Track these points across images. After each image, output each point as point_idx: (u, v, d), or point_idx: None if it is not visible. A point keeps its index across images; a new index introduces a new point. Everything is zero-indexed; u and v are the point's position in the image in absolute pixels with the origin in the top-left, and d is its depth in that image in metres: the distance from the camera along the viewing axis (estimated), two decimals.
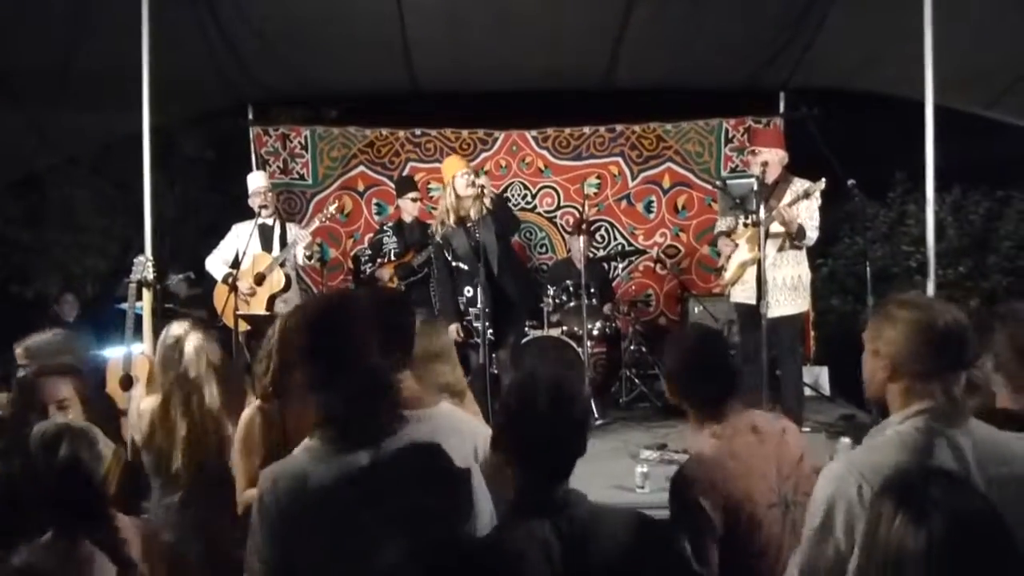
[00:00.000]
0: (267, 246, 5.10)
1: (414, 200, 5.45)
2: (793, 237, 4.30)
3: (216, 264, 5.13)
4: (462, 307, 4.54)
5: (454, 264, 4.58)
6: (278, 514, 1.52)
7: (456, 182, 4.52)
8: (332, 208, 5.27)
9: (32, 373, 2.21)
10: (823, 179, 4.16)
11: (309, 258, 5.15)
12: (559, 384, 1.59)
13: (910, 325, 1.61)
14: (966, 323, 1.60)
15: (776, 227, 4.24)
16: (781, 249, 4.33)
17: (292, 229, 5.25)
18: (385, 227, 5.53)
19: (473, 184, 4.45)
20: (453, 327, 4.29)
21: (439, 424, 1.83)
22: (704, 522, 1.82)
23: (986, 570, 1.15)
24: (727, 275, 4.60)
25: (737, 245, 4.49)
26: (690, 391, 2.03)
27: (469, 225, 4.50)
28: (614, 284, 6.26)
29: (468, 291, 4.52)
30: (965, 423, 1.58)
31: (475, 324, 4.38)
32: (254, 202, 5.17)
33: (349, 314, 1.71)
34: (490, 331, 4.35)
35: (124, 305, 3.96)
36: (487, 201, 4.44)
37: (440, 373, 2.41)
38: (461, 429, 1.87)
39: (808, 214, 4.29)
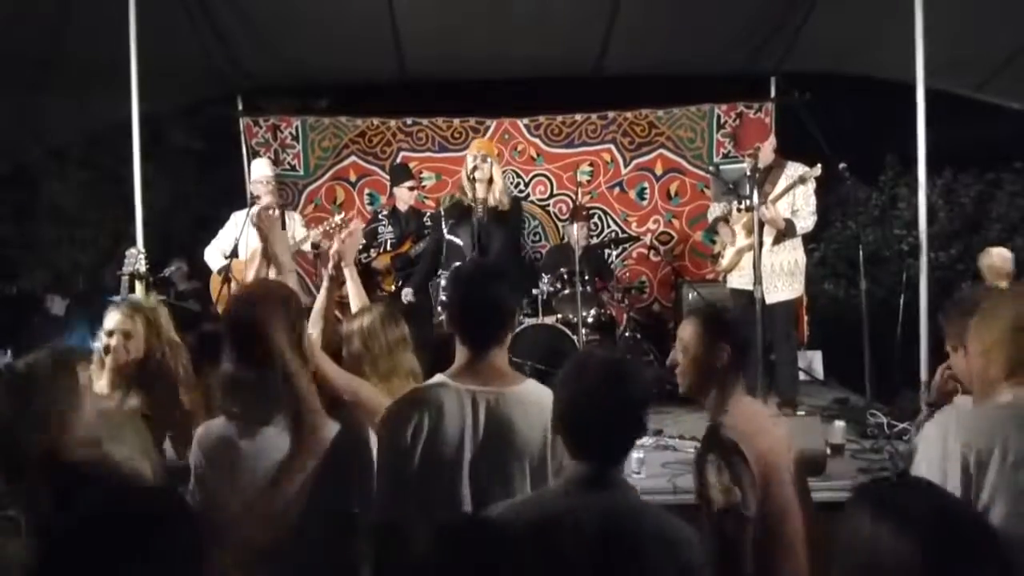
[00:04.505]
0: None
1: (411, 189, 5.42)
2: (784, 234, 4.30)
3: (214, 254, 5.09)
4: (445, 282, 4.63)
5: (448, 237, 4.60)
6: None
7: (466, 160, 4.62)
8: (337, 219, 5.04)
9: None
10: (819, 165, 4.15)
11: (316, 246, 5.08)
12: (614, 363, 1.60)
13: (1010, 322, 1.70)
14: None
15: None
16: (778, 241, 4.33)
17: (291, 219, 5.20)
18: (380, 215, 5.48)
19: (477, 168, 4.50)
20: (406, 291, 4.85)
21: (521, 399, 1.85)
22: (744, 466, 1.86)
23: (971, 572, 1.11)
24: (724, 262, 4.60)
25: (734, 231, 4.49)
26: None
27: (478, 208, 4.52)
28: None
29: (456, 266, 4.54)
30: None
31: None
32: (258, 190, 5.09)
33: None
34: None
35: (116, 298, 3.93)
36: (504, 197, 4.52)
37: (408, 359, 2.50)
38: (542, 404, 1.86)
39: (804, 200, 4.29)
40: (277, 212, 5.11)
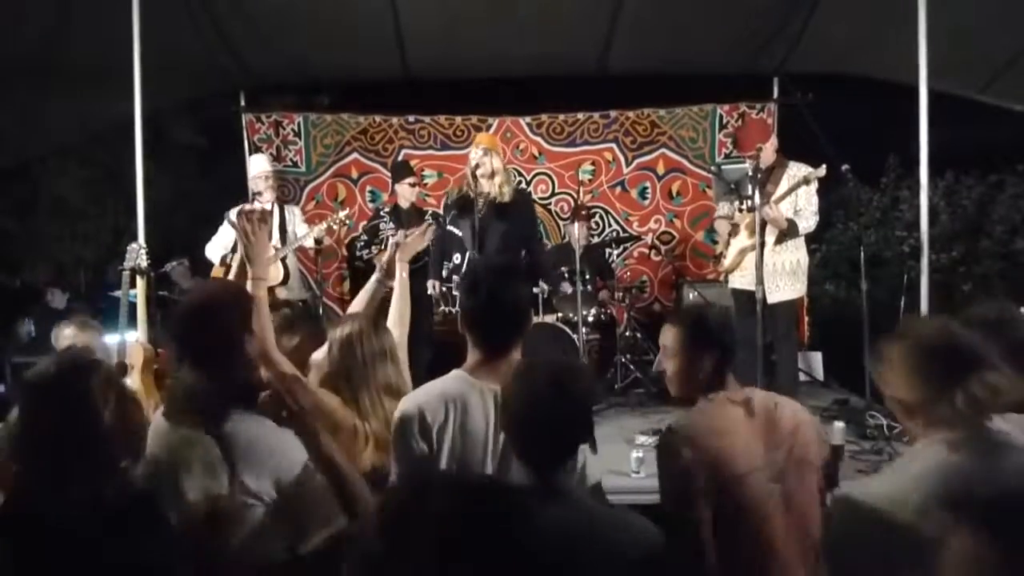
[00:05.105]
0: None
1: (412, 185, 5.42)
2: (786, 234, 4.30)
3: (215, 250, 5.09)
4: (446, 272, 4.63)
5: (448, 228, 4.64)
6: None
7: (469, 156, 4.62)
8: (342, 215, 5.07)
9: None
10: (823, 165, 4.15)
11: (319, 241, 5.08)
12: (561, 369, 1.60)
13: (899, 360, 1.53)
14: (953, 335, 1.51)
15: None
16: (780, 241, 4.33)
17: (291, 214, 5.19)
18: (382, 212, 5.48)
19: (480, 164, 4.49)
20: (431, 282, 4.66)
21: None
22: (684, 471, 1.83)
23: None
24: (726, 262, 4.60)
25: (736, 225, 4.49)
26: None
27: (479, 201, 4.52)
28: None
29: (456, 258, 4.56)
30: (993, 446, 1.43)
31: (455, 293, 4.40)
32: (257, 186, 5.08)
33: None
34: None
35: (117, 293, 3.94)
36: (506, 189, 4.52)
37: (383, 375, 2.30)
38: None
39: (807, 200, 4.29)
40: (275, 209, 5.09)
